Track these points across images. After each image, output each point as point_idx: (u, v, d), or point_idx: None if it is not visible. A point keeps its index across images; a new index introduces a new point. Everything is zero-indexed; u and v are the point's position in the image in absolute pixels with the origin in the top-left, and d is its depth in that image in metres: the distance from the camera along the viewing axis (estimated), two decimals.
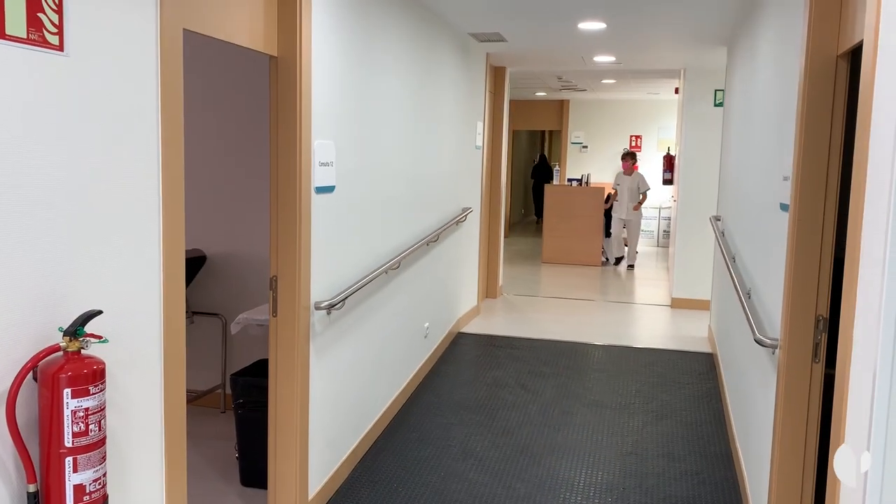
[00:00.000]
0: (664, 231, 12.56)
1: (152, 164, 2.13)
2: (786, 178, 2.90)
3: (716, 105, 7.47)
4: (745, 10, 4.66)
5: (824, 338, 2.72)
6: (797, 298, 2.69)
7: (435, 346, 5.58)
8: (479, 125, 6.84)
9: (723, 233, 5.35)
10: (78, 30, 1.83)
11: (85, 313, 1.77)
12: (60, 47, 1.79)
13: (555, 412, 4.69)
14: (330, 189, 3.38)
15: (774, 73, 3.44)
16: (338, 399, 3.64)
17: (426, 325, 5.27)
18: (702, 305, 7.46)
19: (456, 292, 6.24)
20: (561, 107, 13.26)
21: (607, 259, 10.63)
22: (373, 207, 4.00)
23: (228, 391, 4.58)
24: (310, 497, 3.34)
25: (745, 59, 4.81)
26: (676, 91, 10.11)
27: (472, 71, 6.42)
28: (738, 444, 3.95)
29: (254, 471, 3.62)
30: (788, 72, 3.03)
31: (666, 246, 12.39)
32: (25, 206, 1.71)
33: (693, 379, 5.39)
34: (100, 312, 1.81)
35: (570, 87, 11.27)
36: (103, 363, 1.78)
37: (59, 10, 1.77)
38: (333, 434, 3.61)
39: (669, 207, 12.11)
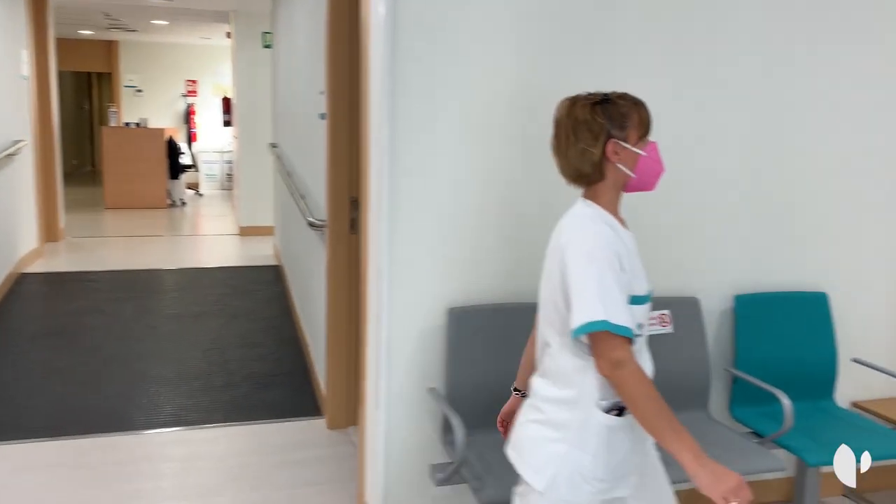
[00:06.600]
0: (227, 174, 12.99)
1: None
2: (322, 93, 3.63)
3: (264, 46, 8.12)
4: None
5: (360, 215, 3.55)
6: (335, 184, 3.46)
7: None
8: (24, 53, 6.43)
9: (279, 157, 6.07)
10: None
11: None
12: None
13: (138, 327, 4.94)
14: None
15: (309, 11, 4.16)
16: None
17: None
18: (267, 231, 8.19)
19: (13, 232, 5.91)
20: (109, 47, 12.66)
21: (174, 201, 10.72)
22: None
23: None
24: None
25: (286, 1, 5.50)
26: (229, 35, 10.52)
27: None
28: (303, 327, 4.74)
29: None
30: (319, 9, 3.75)
31: (230, 188, 12.86)
32: None
33: (262, 287, 6.09)
34: None
35: (119, 27, 10.87)
36: None
37: None
38: None
39: (231, 151, 12.57)
